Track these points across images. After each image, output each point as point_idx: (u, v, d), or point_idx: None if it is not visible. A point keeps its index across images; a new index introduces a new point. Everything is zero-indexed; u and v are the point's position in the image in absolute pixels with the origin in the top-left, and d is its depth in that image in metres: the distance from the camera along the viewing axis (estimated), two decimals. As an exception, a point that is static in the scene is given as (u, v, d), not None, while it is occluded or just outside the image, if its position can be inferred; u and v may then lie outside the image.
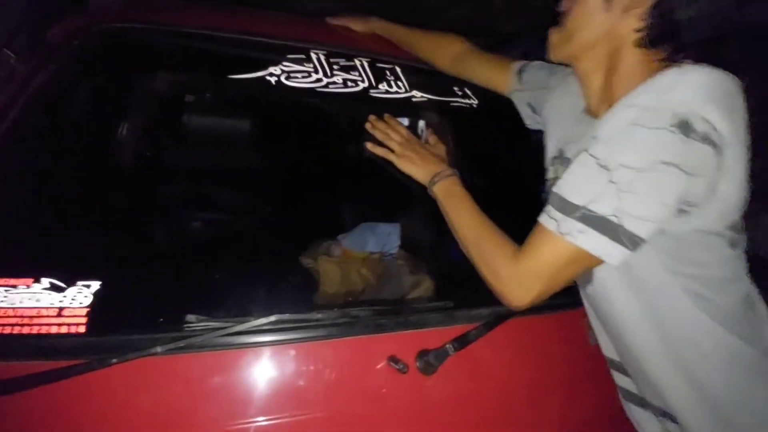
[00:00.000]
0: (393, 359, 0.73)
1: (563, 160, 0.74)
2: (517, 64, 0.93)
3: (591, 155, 0.58)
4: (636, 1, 0.61)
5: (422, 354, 0.75)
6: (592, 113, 0.71)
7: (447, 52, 1.02)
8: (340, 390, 0.72)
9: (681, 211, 0.57)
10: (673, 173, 0.53)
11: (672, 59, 0.62)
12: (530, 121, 0.92)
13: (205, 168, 1.10)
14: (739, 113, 0.57)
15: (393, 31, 1.10)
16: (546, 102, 0.85)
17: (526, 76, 0.91)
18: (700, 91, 0.54)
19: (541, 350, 0.89)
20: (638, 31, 0.62)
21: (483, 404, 0.81)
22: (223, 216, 1.15)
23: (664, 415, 0.72)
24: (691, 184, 0.54)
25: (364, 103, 0.97)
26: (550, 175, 0.79)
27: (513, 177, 1.13)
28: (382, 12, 1.14)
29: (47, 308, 0.66)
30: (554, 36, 0.71)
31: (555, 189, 0.61)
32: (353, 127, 0.95)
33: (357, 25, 1.13)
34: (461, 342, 0.74)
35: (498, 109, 1.13)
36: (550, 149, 0.80)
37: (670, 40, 0.62)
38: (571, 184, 0.60)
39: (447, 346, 0.74)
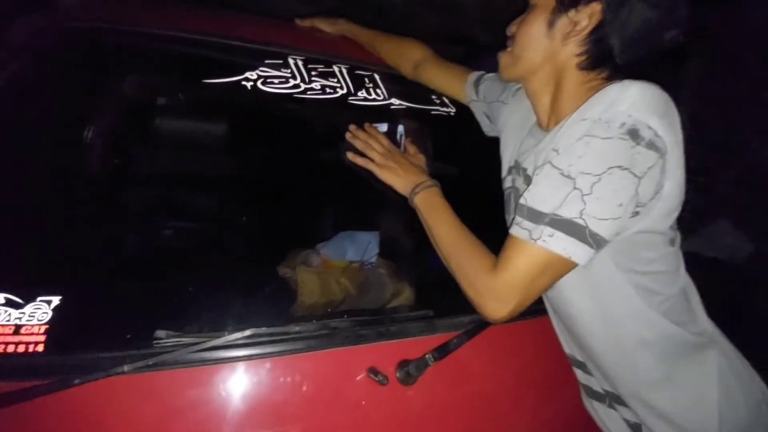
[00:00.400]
0: (372, 371, 0.72)
1: (519, 170, 0.78)
2: (473, 75, 0.98)
3: (555, 166, 0.62)
4: (574, 30, 0.67)
5: (402, 365, 0.74)
6: (543, 127, 0.77)
7: (409, 57, 1.05)
8: (319, 404, 0.70)
9: (633, 213, 0.62)
10: (627, 176, 0.58)
11: (611, 78, 0.68)
12: (488, 130, 0.98)
13: (176, 175, 1.06)
14: (676, 122, 0.62)
15: (359, 34, 1.13)
16: (501, 114, 0.90)
17: (482, 88, 0.96)
18: (643, 102, 0.59)
19: (522, 356, 0.89)
20: (579, 55, 0.68)
21: (464, 413, 0.81)
22: (195, 225, 1.10)
23: (619, 401, 0.79)
24: (642, 186, 0.59)
25: (342, 110, 0.96)
26: (507, 184, 0.84)
27: (490, 184, 1.15)
28: (356, 18, 1.15)
29: (3, 326, 0.61)
30: (503, 58, 0.76)
31: (523, 201, 0.64)
32: (332, 134, 0.94)
33: (325, 26, 1.16)
34: (441, 352, 0.74)
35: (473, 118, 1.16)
36: (506, 159, 0.85)
37: (606, 62, 0.68)
38: (539, 194, 0.63)
39: (427, 356, 0.73)
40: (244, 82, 0.87)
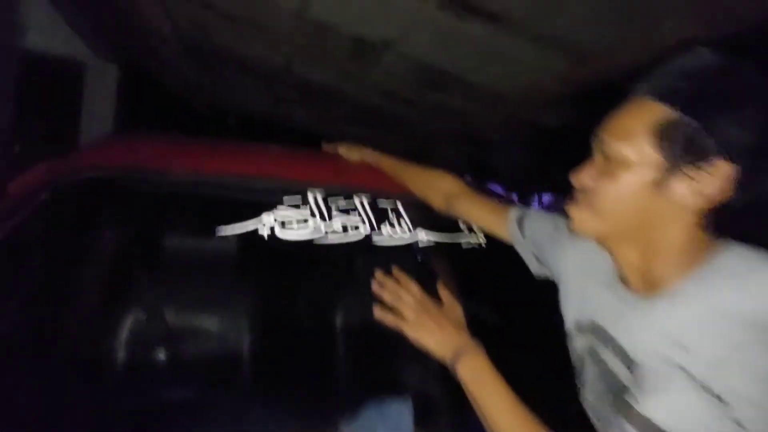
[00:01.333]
0: None
1: (601, 334, 0.62)
2: (514, 213, 0.85)
3: (691, 375, 0.45)
4: (694, 193, 0.51)
5: None
6: (627, 284, 0.61)
7: (439, 190, 0.97)
8: None
9: None
10: None
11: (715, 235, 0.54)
12: (538, 271, 0.82)
13: (180, 334, 0.91)
14: None
15: (385, 163, 1.10)
16: (555, 257, 0.75)
17: (527, 226, 0.83)
18: None
19: None
20: (688, 215, 0.53)
21: None
22: (196, 392, 0.93)
23: None
24: None
25: (367, 253, 0.84)
26: (578, 343, 0.67)
27: (532, 325, 0.97)
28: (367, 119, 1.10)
29: None
30: (577, 213, 0.61)
31: (636, 406, 0.49)
32: (355, 283, 0.81)
33: (350, 154, 1.12)
34: None
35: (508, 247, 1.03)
36: (572, 312, 0.69)
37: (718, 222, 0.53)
38: (668, 408, 0.46)
39: None
40: (260, 231, 0.77)
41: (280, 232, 0.78)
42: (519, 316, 0.99)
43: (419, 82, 1.94)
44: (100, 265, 0.77)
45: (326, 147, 1.14)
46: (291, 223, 0.80)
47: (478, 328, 0.69)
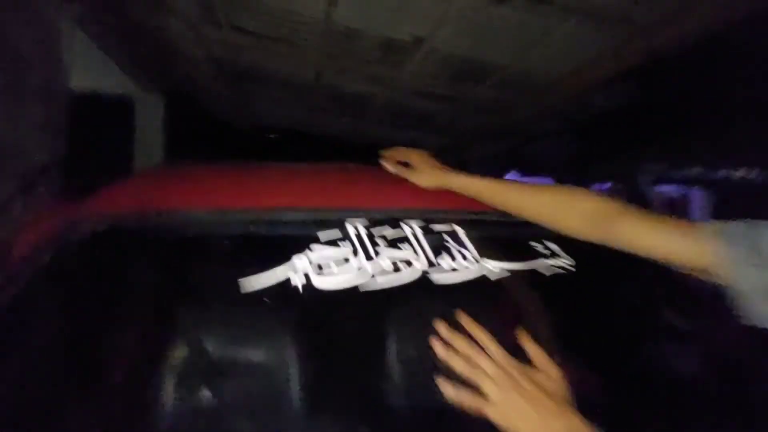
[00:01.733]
0: None
1: None
2: (711, 227, 0.61)
3: None
4: None
5: None
6: None
7: (582, 212, 0.73)
8: None
9: None
10: None
11: None
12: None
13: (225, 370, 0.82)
14: None
15: (483, 189, 0.82)
16: None
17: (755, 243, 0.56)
18: None
19: None
20: None
21: None
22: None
23: None
24: None
25: (426, 296, 0.71)
26: None
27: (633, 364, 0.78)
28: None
29: None
30: None
31: None
32: (413, 335, 0.68)
33: (421, 179, 0.86)
34: None
35: (602, 268, 0.85)
36: None
37: None
38: None
39: None
40: (293, 280, 0.66)
41: (316, 280, 0.67)
42: (630, 361, 0.79)
43: (454, 77, 1.85)
44: (128, 315, 0.70)
45: (386, 154, 0.93)
46: (329, 265, 0.69)
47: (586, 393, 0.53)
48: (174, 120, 3.67)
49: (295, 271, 0.67)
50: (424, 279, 0.71)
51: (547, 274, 0.79)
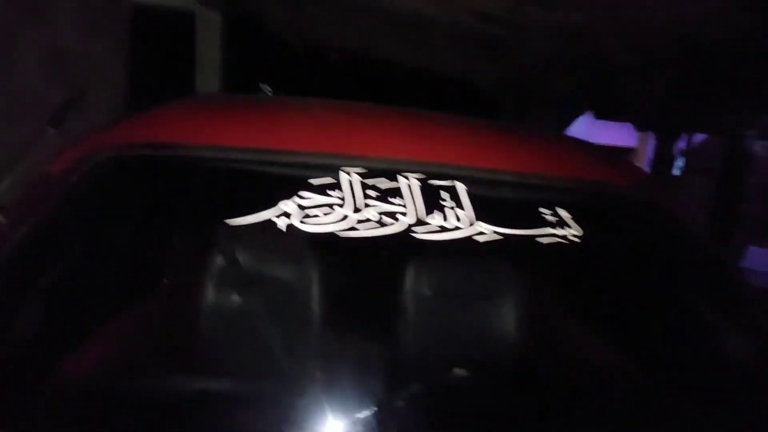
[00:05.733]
0: None
1: None
2: None
3: None
4: None
5: None
6: None
7: None
8: None
9: None
10: None
11: None
12: None
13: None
14: None
15: None
16: None
17: None
18: None
19: None
20: None
21: None
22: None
23: None
24: None
25: (403, 250, 0.71)
26: None
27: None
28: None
29: None
30: None
31: None
32: (383, 288, 0.69)
33: None
34: None
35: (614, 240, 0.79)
36: None
37: None
38: None
39: None
40: (278, 222, 0.68)
41: (300, 223, 0.69)
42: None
43: (519, -2, 1.64)
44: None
45: None
46: (315, 211, 0.70)
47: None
48: (232, 37, 3.70)
49: (281, 213, 0.69)
50: (407, 234, 0.70)
51: (545, 242, 0.74)
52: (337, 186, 0.73)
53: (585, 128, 12.50)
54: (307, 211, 0.70)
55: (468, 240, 0.72)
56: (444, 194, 0.76)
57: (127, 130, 0.83)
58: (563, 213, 0.79)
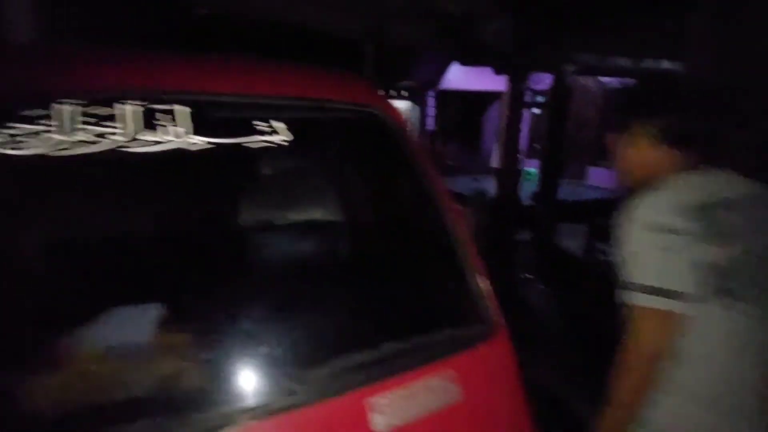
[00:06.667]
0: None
1: None
2: None
3: None
4: None
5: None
6: None
7: None
8: None
9: None
10: None
11: None
12: None
13: None
14: None
15: None
16: None
17: None
18: None
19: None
20: None
21: None
22: None
23: None
24: None
25: (111, 164, 0.82)
26: None
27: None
28: None
29: None
30: None
31: None
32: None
33: None
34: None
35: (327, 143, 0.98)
36: None
37: None
38: None
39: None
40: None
41: (8, 150, 0.77)
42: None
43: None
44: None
45: None
46: (22, 139, 0.78)
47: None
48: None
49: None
50: (117, 150, 0.82)
51: (254, 147, 0.92)
52: (49, 116, 0.82)
53: (461, 77, 13.06)
54: (19, 138, 0.79)
55: (180, 150, 0.86)
56: (162, 116, 0.89)
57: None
58: (277, 124, 0.97)
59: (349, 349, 0.86)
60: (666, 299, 0.85)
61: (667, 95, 1.00)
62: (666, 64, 5.54)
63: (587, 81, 10.61)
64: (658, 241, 0.86)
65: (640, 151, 1.00)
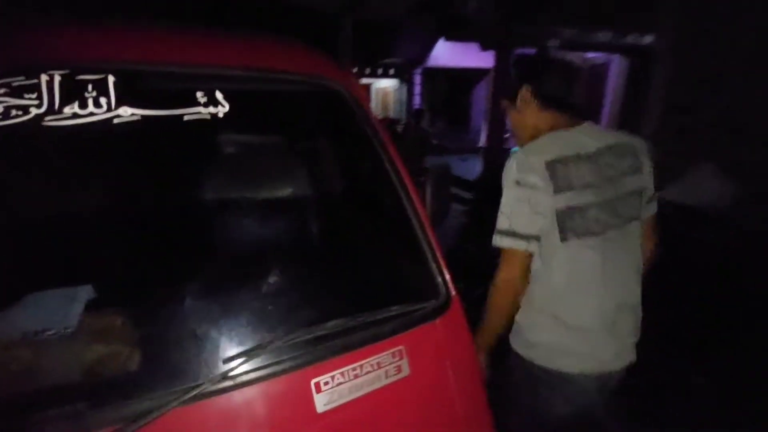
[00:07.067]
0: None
1: None
2: None
3: None
4: None
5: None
6: None
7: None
8: None
9: None
10: None
11: None
12: None
13: None
14: None
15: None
16: None
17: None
18: None
19: None
20: None
21: None
22: None
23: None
24: None
25: (32, 137, 0.77)
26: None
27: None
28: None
29: None
30: None
31: None
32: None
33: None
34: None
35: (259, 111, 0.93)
36: None
37: None
38: None
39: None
40: None
41: None
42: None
43: None
44: None
45: None
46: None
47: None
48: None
49: None
50: (34, 122, 0.77)
51: (186, 119, 0.87)
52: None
53: (448, 54, 12.87)
54: None
55: (103, 122, 0.81)
56: (88, 86, 0.83)
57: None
58: (219, 95, 0.92)
59: (293, 328, 0.83)
60: (513, 239, 1.04)
61: (544, 64, 1.15)
62: (648, 39, 5.49)
63: (573, 57, 10.49)
64: (519, 195, 1.04)
65: (520, 113, 1.17)
